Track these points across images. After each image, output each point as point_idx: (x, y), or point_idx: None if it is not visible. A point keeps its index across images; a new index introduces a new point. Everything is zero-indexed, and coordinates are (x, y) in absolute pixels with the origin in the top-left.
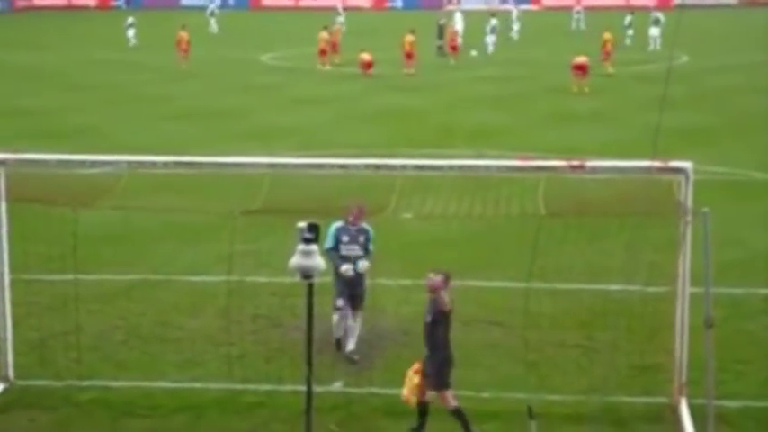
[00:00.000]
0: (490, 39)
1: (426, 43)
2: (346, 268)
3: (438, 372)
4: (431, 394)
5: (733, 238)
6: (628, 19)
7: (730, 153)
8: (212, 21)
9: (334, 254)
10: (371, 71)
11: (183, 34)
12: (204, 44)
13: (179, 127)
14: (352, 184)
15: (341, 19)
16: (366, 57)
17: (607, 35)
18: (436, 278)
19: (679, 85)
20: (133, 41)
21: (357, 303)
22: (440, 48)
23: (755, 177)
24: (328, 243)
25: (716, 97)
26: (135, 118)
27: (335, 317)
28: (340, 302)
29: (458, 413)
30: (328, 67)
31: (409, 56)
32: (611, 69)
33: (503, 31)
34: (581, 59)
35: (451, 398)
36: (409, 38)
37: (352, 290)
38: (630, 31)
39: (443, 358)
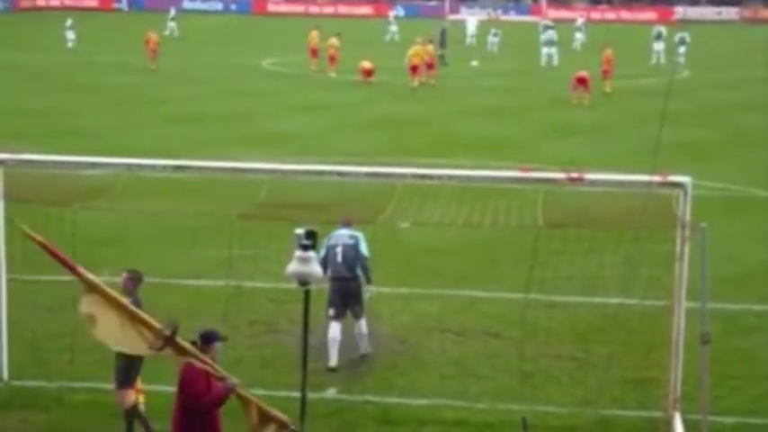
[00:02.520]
0: (550, 50)
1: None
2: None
3: (122, 370)
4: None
5: (730, 253)
6: (679, 36)
7: (729, 169)
8: (172, 24)
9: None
10: (372, 79)
11: (152, 35)
12: (200, 48)
13: (178, 130)
14: (350, 191)
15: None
16: (366, 65)
17: (608, 51)
18: (125, 277)
19: (679, 99)
20: (71, 44)
21: (355, 312)
22: (441, 57)
23: (754, 193)
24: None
25: (716, 113)
26: (134, 120)
27: (330, 334)
28: (331, 312)
29: (129, 414)
30: (333, 74)
31: (430, 66)
32: (608, 89)
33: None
34: (583, 72)
35: (129, 397)
36: (429, 47)
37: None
38: (682, 48)
39: (129, 359)
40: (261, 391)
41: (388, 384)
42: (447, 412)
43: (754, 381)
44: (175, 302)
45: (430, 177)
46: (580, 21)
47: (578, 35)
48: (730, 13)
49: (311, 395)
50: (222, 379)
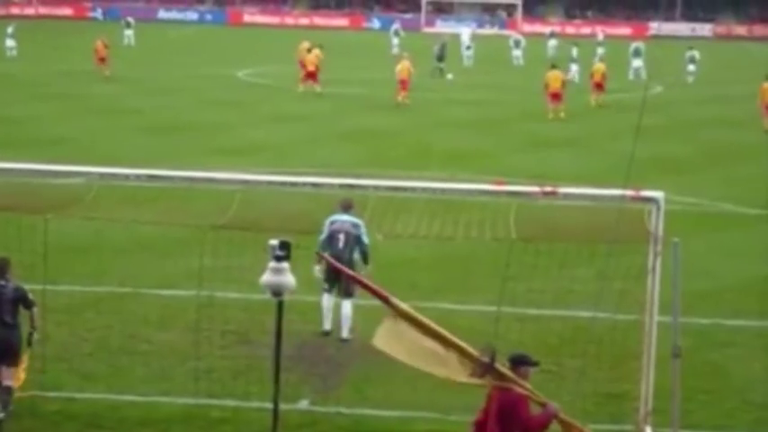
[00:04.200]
0: (575, 67)
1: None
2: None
3: None
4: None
5: (702, 268)
6: (688, 54)
7: (702, 184)
8: (128, 33)
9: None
10: (317, 85)
11: (100, 44)
12: (176, 57)
13: (153, 140)
14: (324, 202)
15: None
16: (311, 65)
17: (599, 66)
18: None
19: (654, 114)
20: (12, 52)
21: (345, 289)
22: (440, 70)
23: (726, 209)
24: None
25: (689, 128)
26: (109, 129)
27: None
28: (325, 285)
29: None
30: (318, 88)
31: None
32: (594, 102)
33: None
34: (556, 87)
35: None
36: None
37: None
38: (692, 67)
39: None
40: (232, 402)
41: (361, 396)
42: (419, 424)
43: (726, 395)
44: (147, 312)
45: (404, 189)
46: (601, 36)
47: (600, 50)
48: (704, 29)
49: (284, 406)
50: (543, 404)
